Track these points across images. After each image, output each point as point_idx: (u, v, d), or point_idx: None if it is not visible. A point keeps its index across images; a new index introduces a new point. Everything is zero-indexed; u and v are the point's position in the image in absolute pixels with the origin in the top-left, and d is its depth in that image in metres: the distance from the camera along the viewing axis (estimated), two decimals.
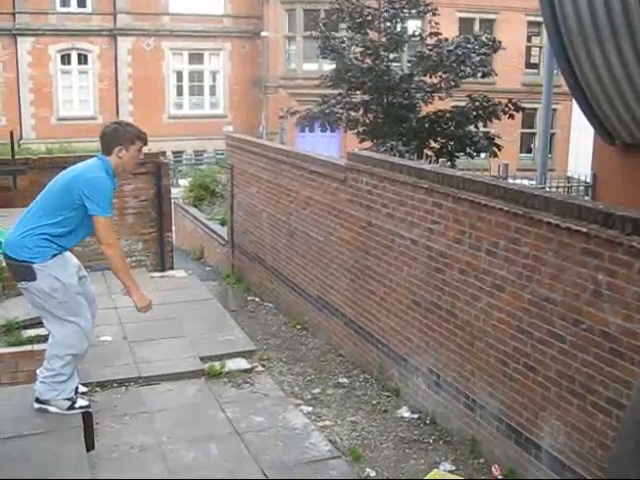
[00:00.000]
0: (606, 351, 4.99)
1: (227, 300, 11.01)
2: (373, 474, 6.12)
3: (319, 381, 8.00)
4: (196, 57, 34.32)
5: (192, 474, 5.80)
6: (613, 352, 4.93)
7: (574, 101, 10.49)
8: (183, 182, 22.60)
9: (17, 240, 5.16)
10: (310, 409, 7.29)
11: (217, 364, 7.86)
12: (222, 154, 14.87)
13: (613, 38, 8.55)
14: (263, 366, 8.22)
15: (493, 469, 6.10)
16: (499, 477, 5.99)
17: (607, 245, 4.89)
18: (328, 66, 18.72)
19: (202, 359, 7.96)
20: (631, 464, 2.54)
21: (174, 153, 31.63)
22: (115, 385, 7.20)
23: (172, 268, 12.17)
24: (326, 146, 27.01)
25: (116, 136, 5.33)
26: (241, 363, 8.07)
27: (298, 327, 9.69)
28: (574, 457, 5.33)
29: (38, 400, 5.59)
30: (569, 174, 14.17)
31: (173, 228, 13.56)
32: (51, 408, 5.56)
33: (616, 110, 9.33)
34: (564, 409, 5.41)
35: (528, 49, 34.47)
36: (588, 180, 11.80)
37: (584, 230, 5.04)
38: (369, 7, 18.93)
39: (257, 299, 11.17)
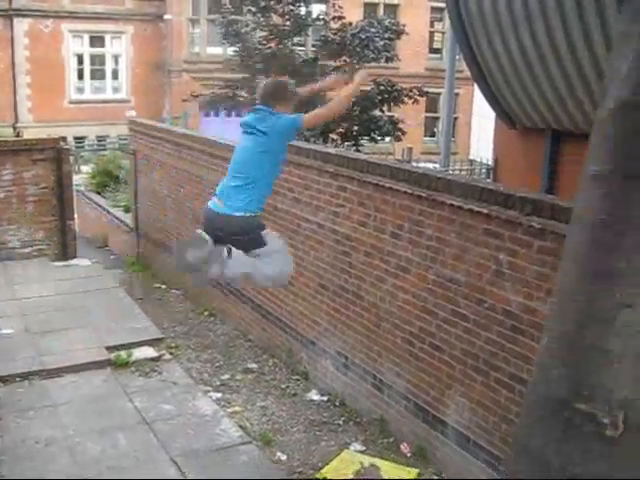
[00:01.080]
0: (508, 329, 5.12)
1: (133, 288, 10.80)
2: (284, 458, 6.13)
3: (228, 367, 7.95)
4: (97, 40, 33.36)
5: (100, 466, 5.70)
6: (514, 329, 5.07)
7: (476, 86, 10.69)
8: (86, 168, 22.02)
9: None
10: (219, 395, 7.24)
11: (124, 353, 7.74)
12: (126, 139, 14.54)
13: (513, 25, 8.74)
14: (171, 354, 8.13)
15: (402, 447, 6.21)
16: (408, 454, 6.09)
17: (507, 225, 5.01)
18: (233, 50, 18.48)
19: (108, 349, 7.83)
20: (534, 436, 2.61)
21: (76, 139, 30.71)
22: (18, 379, 7.01)
23: (75, 257, 11.88)
24: (232, 130, 26.72)
25: None
26: (148, 352, 7.97)
27: (206, 313, 9.59)
28: (479, 432, 5.47)
29: None
30: (471, 157, 14.46)
31: (76, 216, 13.21)
32: None
33: (516, 95, 9.55)
34: (469, 386, 5.53)
35: (431, 34, 34.87)
36: (490, 163, 12.06)
37: (485, 211, 5.15)
38: None
39: (164, 286, 10.98)
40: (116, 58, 33.90)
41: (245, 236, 4.92)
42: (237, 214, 4.83)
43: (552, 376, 2.54)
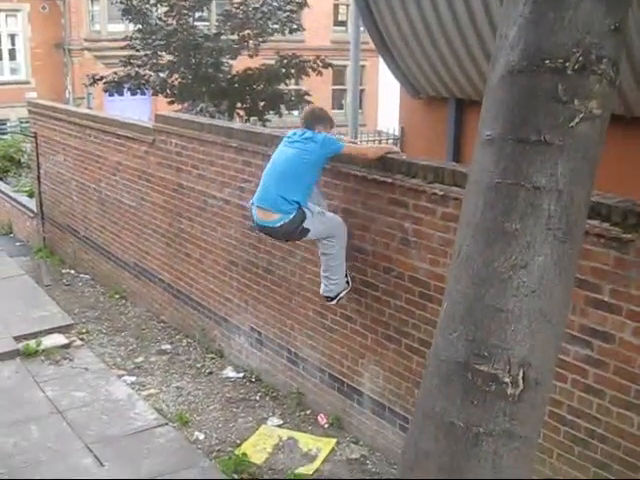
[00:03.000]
0: (416, 295, 5.21)
1: (40, 275, 10.51)
2: (202, 437, 6.11)
3: (141, 350, 7.86)
4: None
5: (14, 460, 5.57)
6: (423, 296, 5.15)
7: (380, 57, 10.73)
8: None
9: None
10: (134, 379, 7.16)
11: (33, 342, 7.57)
12: (27, 122, 14.07)
13: None
14: (82, 340, 7.99)
15: (319, 418, 6.26)
16: (325, 425, 6.15)
17: (411, 194, 5.07)
18: (134, 27, 18.06)
19: (16, 338, 7.65)
20: (438, 400, 2.66)
21: None
22: None
23: None
24: (137, 109, 26.20)
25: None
26: (58, 339, 7.83)
27: (117, 297, 9.44)
28: (393, 399, 5.57)
29: None
30: (379, 128, 14.56)
31: None
32: None
33: (419, 65, 9.64)
34: (381, 354, 5.61)
35: (336, 7, 34.87)
36: (397, 133, 12.16)
37: (389, 181, 5.20)
38: None
39: (72, 271, 10.75)
40: (13, 38, 32.69)
41: (294, 235, 5.51)
42: (278, 224, 5.37)
43: (452, 339, 2.59)
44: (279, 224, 5.34)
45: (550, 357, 2.67)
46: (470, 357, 2.54)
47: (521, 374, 2.52)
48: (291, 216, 5.27)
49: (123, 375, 7.23)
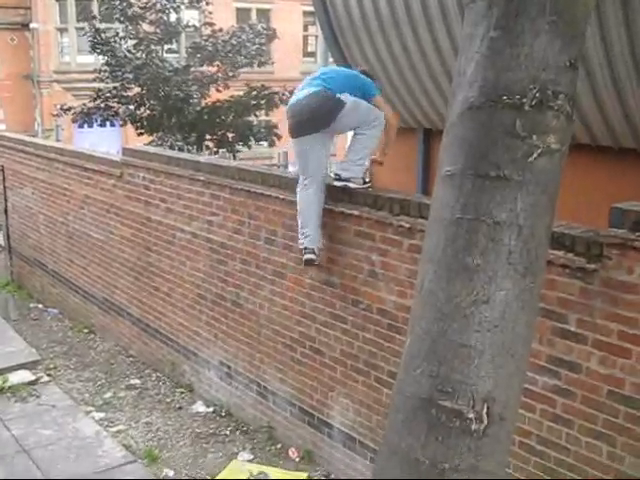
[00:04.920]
0: (385, 328, 5.20)
1: (7, 310, 10.37)
2: (171, 473, 6.03)
3: (110, 385, 7.76)
4: None
5: None
6: (391, 328, 5.15)
7: None
8: None
9: None
10: (102, 415, 7.06)
11: None
12: None
13: (380, 29, 8.89)
14: (50, 375, 7.88)
15: (290, 452, 6.22)
16: (296, 459, 6.10)
17: (378, 226, 5.09)
18: (103, 59, 18.07)
19: None
20: (403, 436, 2.64)
21: None
22: None
23: None
24: (107, 141, 26.13)
25: None
26: (25, 375, 7.71)
27: (85, 331, 9.33)
28: (364, 431, 5.54)
29: None
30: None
31: None
32: None
33: (387, 96, 9.71)
34: (351, 387, 5.59)
35: (305, 38, 35.14)
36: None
37: (356, 213, 5.22)
38: None
39: (40, 305, 10.62)
40: None
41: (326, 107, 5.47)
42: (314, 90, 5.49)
43: (416, 375, 2.58)
44: (307, 94, 5.37)
45: (514, 391, 2.66)
46: (434, 393, 2.53)
47: (485, 409, 2.51)
48: (322, 89, 5.34)
49: (91, 411, 7.13)
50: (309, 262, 5.44)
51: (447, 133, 2.67)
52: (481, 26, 2.55)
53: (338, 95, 5.29)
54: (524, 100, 2.46)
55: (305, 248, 5.44)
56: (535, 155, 2.48)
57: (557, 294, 4.13)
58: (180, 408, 7.18)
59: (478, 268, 2.48)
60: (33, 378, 7.67)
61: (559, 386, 4.22)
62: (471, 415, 2.51)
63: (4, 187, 11.85)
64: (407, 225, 4.85)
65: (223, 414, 6.96)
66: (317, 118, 5.33)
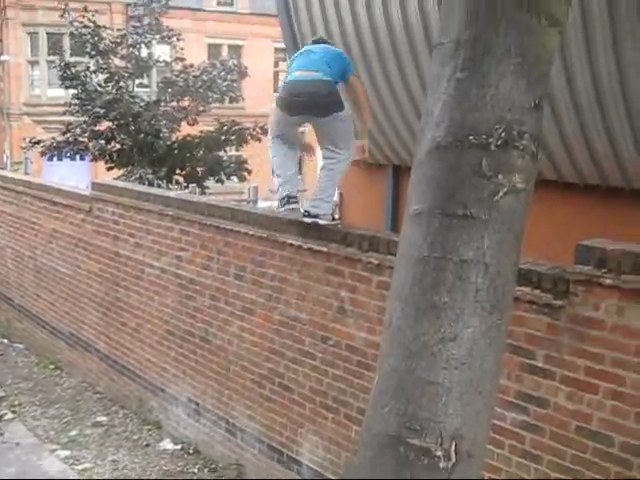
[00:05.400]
0: (354, 364, 5.19)
1: None
2: None
3: (76, 422, 7.63)
4: None
5: None
6: (360, 364, 5.14)
7: None
8: None
9: None
10: (68, 453, 6.94)
11: None
12: None
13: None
14: (14, 412, 7.76)
15: None
16: None
17: (347, 263, 5.10)
18: (74, 92, 18.05)
19: None
20: (371, 474, 2.63)
21: None
22: None
23: None
24: (76, 175, 26.01)
25: None
26: None
27: (51, 367, 9.20)
28: (333, 468, 5.50)
29: None
30: None
31: None
32: None
33: (357, 133, 9.79)
34: (320, 424, 5.55)
35: (276, 74, 35.38)
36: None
37: (325, 250, 5.23)
38: (111, 33, 18.56)
39: (5, 340, 10.48)
40: None
41: (326, 100, 5.62)
42: (317, 78, 5.56)
43: (384, 412, 2.57)
44: (319, 78, 5.45)
45: (482, 428, 2.67)
46: (402, 431, 2.52)
47: (453, 447, 2.51)
48: (331, 79, 5.45)
49: (56, 449, 7.00)
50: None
51: (415, 171, 2.70)
52: (448, 67, 2.59)
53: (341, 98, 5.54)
54: (490, 140, 2.50)
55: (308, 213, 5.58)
56: (501, 194, 2.51)
57: (524, 330, 4.16)
58: (147, 445, 7.09)
59: (445, 306, 2.49)
60: None
61: (527, 422, 4.23)
62: (439, 453, 2.50)
63: None
64: (376, 262, 4.87)
65: (191, 451, 6.88)
66: (320, 107, 5.52)
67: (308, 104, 5.50)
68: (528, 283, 4.07)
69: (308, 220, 5.48)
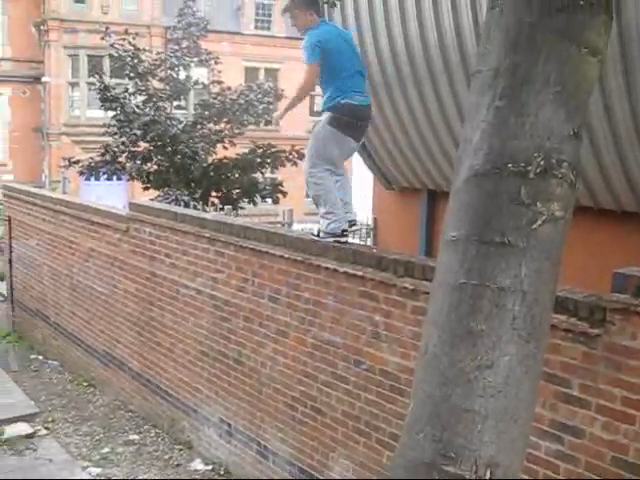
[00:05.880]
0: (387, 389, 5.17)
1: (7, 360, 10.34)
2: None
3: (108, 440, 7.68)
4: None
5: None
6: (393, 389, 5.12)
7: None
8: None
9: None
10: (99, 470, 6.97)
11: None
12: (0, 205, 14.08)
13: (387, 91, 9.04)
14: (47, 429, 7.81)
15: None
16: None
17: (382, 287, 5.10)
18: (113, 113, 18.31)
19: None
20: None
21: None
22: None
23: None
24: (113, 195, 26.37)
25: None
26: (22, 428, 7.65)
27: (85, 384, 9.28)
28: None
29: None
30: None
31: None
32: None
33: (392, 157, 9.83)
34: (352, 448, 5.53)
35: (312, 97, 35.57)
36: (370, 224, 12.28)
37: (360, 274, 5.23)
38: (150, 56, 18.82)
39: (41, 357, 10.59)
40: None
41: None
42: None
43: (419, 439, 2.56)
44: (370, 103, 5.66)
45: (517, 456, 2.65)
46: (437, 458, 2.51)
47: (488, 475, 2.50)
48: None
49: (88, 466, 7.04)
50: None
51: (452, 199, 2.70)
52: (487, 95, 2.61)
53: None
54: (529, 168, 2.50)
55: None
56: (539, 222, 2.51)
57: (560, 358, 4.13)
58: (178, 465, 7.10)
59: (482, 333, 2.49)
60: (31, 431, 7.61)
61: (562, 451, 4.18)
62: None
63: (10, 237, 11.91)
64: (411, 287, 4.86)
65: (222, 472, 6.88)
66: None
67: (365, 130, 5.68)
68: (564, 311, 4.04)
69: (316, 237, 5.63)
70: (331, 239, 5.51)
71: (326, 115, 5.50)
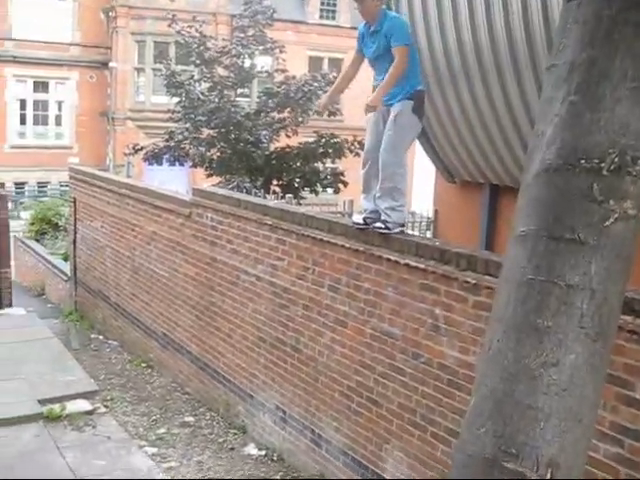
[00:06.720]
0: (444, 383, 5.15)
1: (69, 339, 10.58)
2: None
3: (164, 421, 7.80)
4: (41, 85, 33.12)
5: None
6: (451, 384, 5.09)
7: (417, 141, 10.86)
8: (25, 215, 21.70)
9: None
10: (155, 450, 7.08)
11: (57, 407, 7.54)
12: (67, 186, 14.37)
13: (452, 83, 8.95)
14: (106, 407, 7.97)
15: None
16: None
17: (443, 280, 5.07)
18: (177, 99, 18.54)
19: (40, 402, 7.63)
20: None
21: (16, 184, 30.32)
22: None
23: (10, 306, 11.66)
24: (175, 180, 26.69)
25: None
26: (83, 405, 7.80)
27: (143, 365, 9.43)
28: None
29: None
30: (412, 209, 14.63)
31: (12, 263, 12.97)
32: None
33: (455, 150, 9.74)
34: (406, 441, 5.52)
35: (375, 89, 35.49)
36: (430, 215, 12.21)
37: (422, 266, 5.20)
38: (216, 43, 18.99)
39: (101, 337, 10.81)
40: (60, 104, 33.67)
41: None
42: None
43: (480, 434, 2.54)
44: None
45: (579, 457, 2.61)
46: (498, 454, 2.49)
47: (549, 474, 2.47)
48: None
49: (144, 446, 7.15)
50: None
51: (522, 194, 2.67)
52: (561, 89, 2.57)
53: None
54: (602, 164, 2.46)
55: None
56: (611, 220, 2.46)
57: (624, 360, 4.05)
58: (232, 449, 7.17)
59: (549, 330, 2.46)
60: (90, 408, 7.75)
61: (622, 455, 4.11)
62: (534, 478, 2.47)
63: (75, 219, 12.16)
64: (473, 281, 4.82)
65: (275, 458, 6.93)
66: None
67: None
68: (630, 312, 3.96)
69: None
70: (399, 229, 5.54)
71: (405, 103, 5.49)
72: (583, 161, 2.48)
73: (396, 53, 5.39)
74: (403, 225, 5.62)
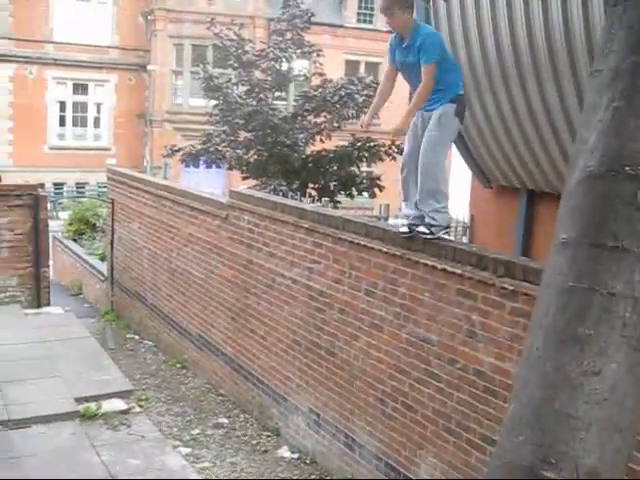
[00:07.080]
0: (480, 390, 5.11)
1: (105, 338, 10.69)
2: None
3: (198, 421, 7.84)
4: (81, 87, 33.55)
5: None
6: (487, 390, 5.05)
7: (453, 145, 10.80)
8: (64, 215, 21.97)
9: None
10: (189, 450, 7.12)
11: (93, 405, 7.61)
12: (105, 187, 14.52)
13: (490, 88, 8.90)
14: (141, 406, 8.02)
15: None
16: None
17: (480, 286, 5.03)
18: (215, 102, 18.65)
19: (77, 400, 7.70)
20: None
21: (55, 185, 30.73)
22: None
23: (48, 304, 11.77)
24: (211, 182, 26.89)
25: None
26: (118, 404, 7.86)
27: (178, 366, 9.49)
28: None
29: None
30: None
31: (51, 263, 13.12)
32: None
33: (492, 154, 9.67)
34: (441, 447, 5.49)
35: (411, 93, 35.41)
36: (466, 221, 12.14)
37: (459, 272, 5.17)
38: (254, 46, 19.07)
39: (136, 337, 10.90)
40: (98, 106, 34.07)
41: None
42: None
43: (518, 442, 2.52)
44: None
45: (619, 469, 2.58)
46: (536, 462, 2.47)
47: None
48: None
49: (178, 446, 7.19)
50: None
51: (564, 200, 2.65)
52: (605, 96, 2.55)
53: None
54: None
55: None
56: None
57: None
58: (266, 451, 7.19)
59: (590, 338, 2.43)
60: (125, 407, 7.81)
61: None
62: None
63: (112, 220, 12.29)
64: (511, 287, 4.78)
65: (308, 461, 6.93)
66: None
67: None
68: None
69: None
70: (443, 231, 5.55)
71: (448, 105, 5.50)
72: (627, 168, 2.46)
73: (424, 71, 5.41)
74: (448, 227, 5.61)
